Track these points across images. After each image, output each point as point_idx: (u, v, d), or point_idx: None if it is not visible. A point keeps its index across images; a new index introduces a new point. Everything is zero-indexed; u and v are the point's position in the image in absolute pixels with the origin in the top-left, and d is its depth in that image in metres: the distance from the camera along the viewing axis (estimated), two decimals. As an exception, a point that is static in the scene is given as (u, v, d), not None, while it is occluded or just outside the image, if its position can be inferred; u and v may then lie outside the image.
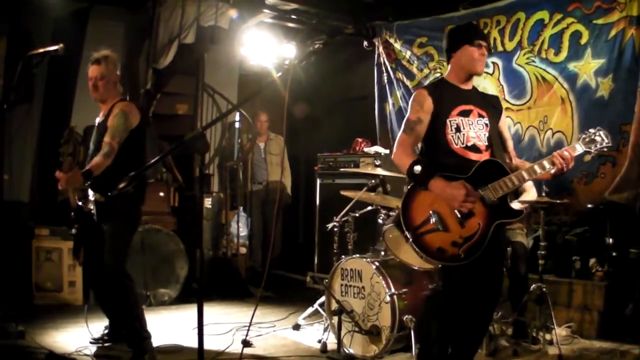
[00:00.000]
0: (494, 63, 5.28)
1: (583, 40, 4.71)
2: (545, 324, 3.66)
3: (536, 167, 2.56)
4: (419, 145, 2.76)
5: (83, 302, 4.78)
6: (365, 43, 6.35)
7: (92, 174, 3.17)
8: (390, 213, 3.95)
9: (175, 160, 5.79)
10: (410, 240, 2.51)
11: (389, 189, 4.49)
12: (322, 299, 4.08)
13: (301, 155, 7.27)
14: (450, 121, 2.64)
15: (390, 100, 6.20)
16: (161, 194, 5.53)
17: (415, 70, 5.96)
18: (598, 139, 2.50)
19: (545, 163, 2.55)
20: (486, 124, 2.71)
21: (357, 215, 4.12)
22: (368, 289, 3.61)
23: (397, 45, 6.10)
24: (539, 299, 3.59)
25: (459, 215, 2.52)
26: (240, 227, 6.25)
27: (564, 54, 4.82)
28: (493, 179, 2.55)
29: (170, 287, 5.06)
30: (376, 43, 6.28)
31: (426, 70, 5.85)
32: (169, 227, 5.28)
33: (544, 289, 3.64)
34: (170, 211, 5.58)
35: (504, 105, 5.09)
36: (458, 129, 2.64)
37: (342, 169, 5.21)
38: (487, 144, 2.68)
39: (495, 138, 2.70)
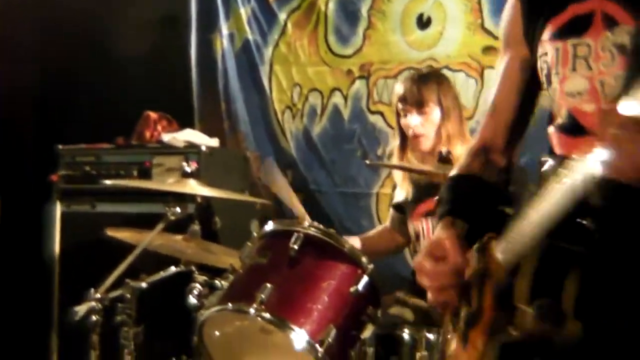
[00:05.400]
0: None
1: None
2: None
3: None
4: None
5: None
6: None
7: None
8: (217, 281, 4.01)
9: None
10: None
11: (218, 224, 4.73)
12: None
13: (28, 149, 7.04)
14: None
15: (224, 29, 6.34)
16: None
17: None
18: None
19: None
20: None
21: (143, 286, 4.10)
22: None
23: None
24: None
25: None
26: None
27: None
28: None
29: None
30: None
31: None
32: None
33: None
34: None
35: (479, 39, 5.45)
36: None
37: (112, 181, 5.17)
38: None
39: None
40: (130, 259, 4.05)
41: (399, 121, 4.46)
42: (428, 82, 4.39)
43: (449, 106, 4.36)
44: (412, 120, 4.33)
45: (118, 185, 5.12)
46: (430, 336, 3.50)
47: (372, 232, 4.77)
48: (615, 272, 2.24)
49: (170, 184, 4.48)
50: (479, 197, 2.60)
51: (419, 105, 4.32)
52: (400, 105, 4.40)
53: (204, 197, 4.41)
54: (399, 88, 4.47)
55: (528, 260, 2.24)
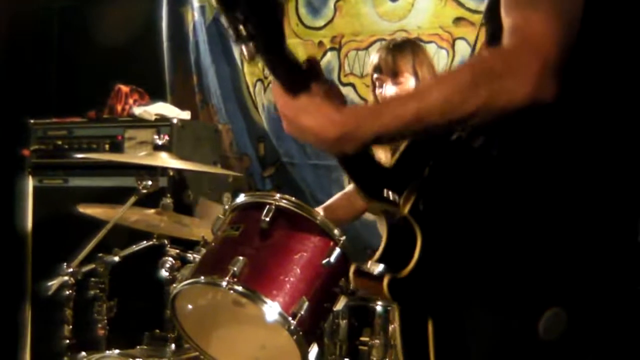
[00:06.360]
0: None
1: None
2: None
3: None
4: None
5: None
6: None
7: None
8: (190, 254, 3.98)
9: None
10: None
11: (191, 198, 4.74)
12: None
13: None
14: None
15: (195, 1, 6.35)
16: None
17: None
18: None
19: None
20: None
21: (116, 259, 4.13)
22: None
23: None
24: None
25: None
26: None
27: None
28: None
29: None
30: None
31: None
32: None
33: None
34: None
35: (450, 10, 5.41)
36: None
37: (83, 154, 5.14)
38: None
39: None
40: (102, 233, 4.10)
41: (374, 91, 4.41)
42: (403, 51, 4.33)
43: (424, 76, 4.29)
44: (387, 91, 4.29)
45: (90, 159, 5.14)
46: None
47: (330, 202, 4.71)
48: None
49: (142, 157, 4.45)
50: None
51: (394, 75, 4.26)
52: (375, 75, 4.35)
53: (176, 170, 4.38)
54: (373, 58, 4.43)
55: None
